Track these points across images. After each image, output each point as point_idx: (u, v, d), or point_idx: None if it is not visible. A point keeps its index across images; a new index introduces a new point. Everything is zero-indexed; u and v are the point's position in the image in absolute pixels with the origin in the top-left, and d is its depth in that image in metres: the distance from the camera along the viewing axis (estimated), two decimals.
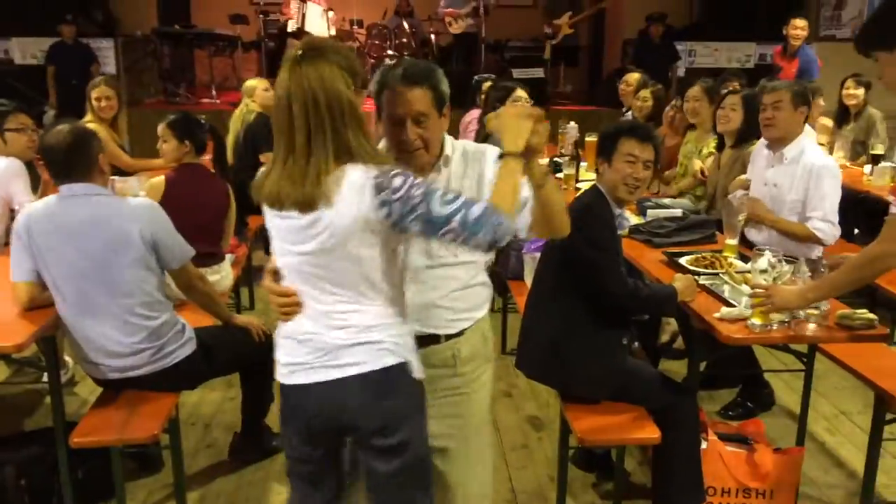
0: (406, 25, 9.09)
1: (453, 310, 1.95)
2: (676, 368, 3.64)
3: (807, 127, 3.57)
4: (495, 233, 1.59)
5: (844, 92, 5.53)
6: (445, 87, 1.86)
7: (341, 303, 1.69)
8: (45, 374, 2.94)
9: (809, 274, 2.34)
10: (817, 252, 3.20)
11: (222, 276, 3.57)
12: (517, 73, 8.26)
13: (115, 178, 3.70)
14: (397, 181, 1.58)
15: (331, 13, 8.80)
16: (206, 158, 3.74)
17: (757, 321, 2.33)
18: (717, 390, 3.64)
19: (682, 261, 2.89)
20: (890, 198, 2.15)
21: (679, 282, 2.58)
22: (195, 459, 3.13)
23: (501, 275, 3.95)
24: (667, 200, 3.86)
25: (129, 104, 5.64)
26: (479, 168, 1.92)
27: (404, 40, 9.03)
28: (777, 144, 3.31)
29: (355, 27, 9.33)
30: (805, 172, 3.20)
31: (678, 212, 3.49)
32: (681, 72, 8.80)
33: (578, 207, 2.57)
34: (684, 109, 4.41)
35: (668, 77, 8.06)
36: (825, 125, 5.66)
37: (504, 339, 4.20)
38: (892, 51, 1.91)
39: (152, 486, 2.95)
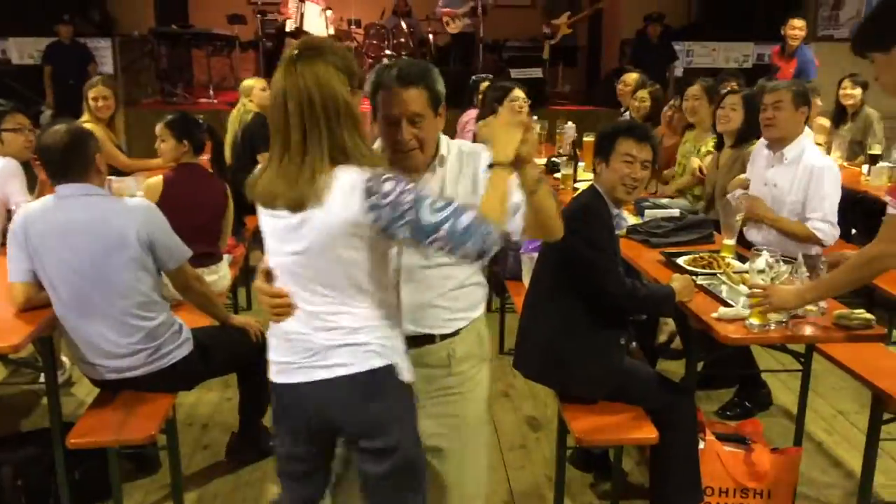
0: (404, 25, 9.08)
1: (449, 309, 1.95)
2: (674, 368, 3.65)
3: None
4: (484, 242, 1.59)
5: (841, 92, 5.53)
6: (441, 87, 1.86)
7: (330, 304, 1.69)
8: (42, 374, 2.94)
9: (808, 273, 2.33)
10: (816, 251, 3.19)
11: (220, 276, 3.57)
12: (515, 73, 8.28)
13: (112, 178, 3.69)
14: (388, 186, 1.58)
15: (329, 13, 8.79)
16: (204, 158, 3.73)
17: (755, 321, 2.33)
18: (714, 390, 3.63)
19: (680, 261, 2.89)
20: (887, 198, 2.15)
21: (677, 282, 2.58)
22: (192, 460, 3.13)
23: (499, 275, 3.95)
24: (664, 200, 3.85)
25: (126, 104, 5.65)
26: (474, 167, 1.91)
27: (402, 40, 9.02)
28: (777, 144, 3.31)
29: (353, 27, 9.32)
30: (805, 173, 3.20)
31: (676, 212, 3.48)
32: (679, 72, 8.82)
33: (576, 207, 2.58)
34: (683, 108, 4.40)
35: (665, 77, 8.07)
36: (822, 125, 5.65)
37: (502, 339, 4.20)
38: (888, 52, 1.90)
39: (149, 487, 2.94)
